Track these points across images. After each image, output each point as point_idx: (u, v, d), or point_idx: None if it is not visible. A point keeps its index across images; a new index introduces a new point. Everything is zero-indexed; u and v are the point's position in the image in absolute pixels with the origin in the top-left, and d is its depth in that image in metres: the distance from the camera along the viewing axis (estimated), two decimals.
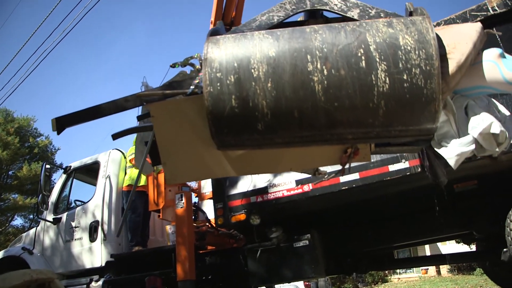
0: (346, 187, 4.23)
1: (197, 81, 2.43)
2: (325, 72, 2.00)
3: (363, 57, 2.00)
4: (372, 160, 4.17)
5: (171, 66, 2.78)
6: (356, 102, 2.01)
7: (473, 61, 2.35)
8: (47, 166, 6.64)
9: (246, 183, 4.73)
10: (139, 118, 2.94)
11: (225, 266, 5.42)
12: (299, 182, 4.41)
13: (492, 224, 4.55)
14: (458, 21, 3.92)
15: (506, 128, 2.53)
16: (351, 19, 2.35)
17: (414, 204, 4.81)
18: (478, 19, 3.77)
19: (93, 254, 5.99)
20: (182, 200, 5.37)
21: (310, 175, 4.19)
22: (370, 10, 2.41)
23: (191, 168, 2.66)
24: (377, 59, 1.99)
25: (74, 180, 6.89)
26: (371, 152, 2.60)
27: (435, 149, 2.56)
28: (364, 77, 1.98)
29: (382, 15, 2.36)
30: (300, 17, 2.79)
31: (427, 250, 16.45)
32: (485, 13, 3.92)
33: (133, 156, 6.29)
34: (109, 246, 5.96)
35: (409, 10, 2.37)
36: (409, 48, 2.00)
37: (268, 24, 2.46)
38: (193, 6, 40.70)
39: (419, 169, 4.07)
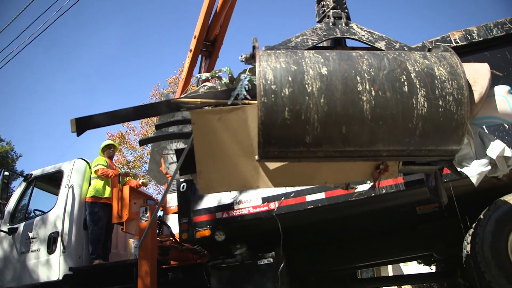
0: (312, 206, 4.26)
1: (236, 92, 2.53)
2: (373, 93, 2.20)
3: (405, 83, 2.24)
4: None
5: (196, 77, 2.81)
6: (398, 122, 2.24)
7: (488, 94, 2.68)
8: (6, 173, 6.40)
9: (212, 199, 4.69)
10: (157, 127, 2.93)
11: (188, 282, 5.33)
12: (265, 200, 4.41)
13: (450, 246, 4.68)
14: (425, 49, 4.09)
15: None
16: (377, 49, 2.58)
17: (378, 225, 4.89)
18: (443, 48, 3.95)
19: (50, 267, 5.73)
20: (146, 213, 5.28)
21: (279, 192, 4.26)
22: (394, 44, 2.66)
23: (226, 179, 2.69)
24: (418, 85, 2.24)
25: (35, 189, 6.65)
26: (398, 169, 2.84)
27: (458, 168, 2.80)
28: (406, 100, 2.22)
29: (405, 49, 2.59)
30: (323, 44, 2.93)
31: (390, 270, 16.66)
32: (448, 44, 4.11)
33: (99, 166, 6.15)
34: (68, 258, 5.73)
35: (427, 47, 2.67)
36: (443, 78, 2.28)
37: (304, 46, 2.60)
38: (169, 11, 40.57)
39: (384, 191, 4.15)
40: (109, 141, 6.79)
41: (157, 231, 5.74)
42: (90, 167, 6.41)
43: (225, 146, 2.59)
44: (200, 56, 7.36)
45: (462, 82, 2.30)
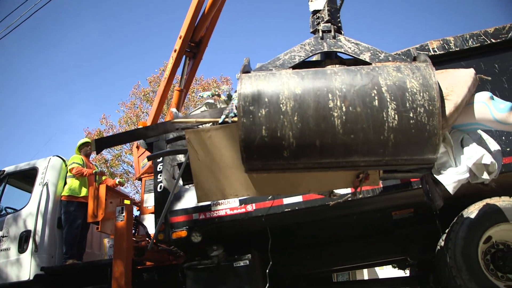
0: (289, 209, 4.28)
1: (227, 111, 2.78)
2: (344, 108, 2.35)
3: (376, 97, 2.36)
4: None
5: (200, 96, 3.24)
6: (369, 135, 2.36)
7: (468, 101, 2.75)
8: None
9: (189, 200, 4.66)
10: (168, 141, 3.34)
11: (163, 283, 5.28)
12: (242, 202, 4.40)
13: (424, 251, 4.76)
14: (403, 56, 4.16)
15: (495, 159, 2.94)
16: (363, 61, 2.72)
17: (354, 229, 4.94)
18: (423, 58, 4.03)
19: (20, 266, 5.58)
20: (122, 213, 5.21)
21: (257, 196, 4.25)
22: (379, 54, 2.75)
23: (219, 189, 2.93)
24: (388, 99, 2.35)
25: (7, 186, 6.47)
26: (379, 177, 2.98)
27: (435, 176, 2.89)
28: (376, 114, 2.35)
29: (390, 59, 2.71)
30: (315, 57, 3.09)
31: (365, 274, 16.86)
32: (426, 52, 4.19)
33: (74, 165, 6.04)
34: (40, 258, 5.59)
35: (413, 55, 2.79)
36: (415, 90, 2.37)
37: (290, 63, 2.76)
38: (152, 9, 40.11)
39: (360, 196, 4.19)
40: (86, 139, 6.68)
41: (133, 231, 5.67)
42: (66, 165, 6.29)
43: (216, 160, 2.83)
44: (184, 56, 7.32)
45: (434, 93, 2.37)
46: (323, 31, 2.93)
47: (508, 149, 4.06)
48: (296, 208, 4.27)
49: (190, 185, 3.50)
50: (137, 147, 7.10)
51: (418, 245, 4.81)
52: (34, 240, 5.62)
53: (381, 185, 4.15)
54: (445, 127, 2.61)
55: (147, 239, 5.53)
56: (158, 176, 4.89)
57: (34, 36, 38.30)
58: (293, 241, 5.14)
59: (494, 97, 2.83)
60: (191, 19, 6.92)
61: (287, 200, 4.29)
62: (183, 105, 8.57)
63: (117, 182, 6.49)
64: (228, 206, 4.46)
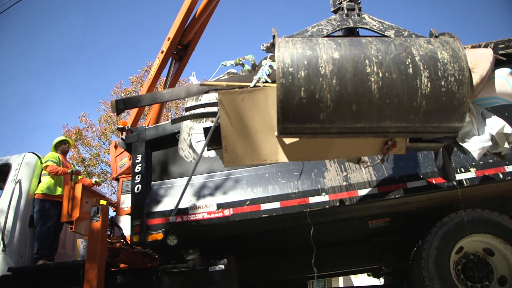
0: (267, 215, 4.27)
1: (258, 77, 2.84)
2: (380, 74, 2.50)
3: (410, 65, 2.53)
4: (294, 191, 4.28)
5: (222, 64, 3.25)
6: (403, 101, 2.52)
7: (489, 76, 2.95)
8: None
9: (167, 203, 4.60)
10: (187, 109, 3.40)
11: (137, 286, 5.19)
12: (220, 206, 4.37)
13: (399, 260, 4.82)
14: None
15: None
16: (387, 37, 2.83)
17: (331, 236, 4.97)
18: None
19: None
20: (98, 213, 5.11)
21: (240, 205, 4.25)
22: (403, 32, 2.89)
23: (248, 153, 2.93)
24: (421, 68, 2.53)
25: None
26: (406, 146, 3.05)
27: (460, 143, 3.02)
28: (411, 81, 2.51)
29: (413, 36, 2.82)
30: (338, 33, 3.25)
31: (341, 281, 16.98)
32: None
33: (48, 163, 5.91)
34: (8, 258, 5.41)
35: (434, 34, 2.91)
36: (445, 61, 2.56)
37: (318, 35, 2.85)
38: (136, 8, 39.75)
39: (338, 203, 4.22)
40: (63, 137, 6.56)
41: (108, 232, 5.57)
42: (41, 162, 6.14)
43: (247, 123, 2.87)
44: (170, 58, 7.27)
45: (463, 64, 2.57)
46: (348, 9, 3.06)
47: (481, 163, 4.15)
48: (274, 214, 4.27)
49: (215, 149, 3.41)
50: (115, 147, 6.99)
51: (393, 254, 4.86)
52: (2, 239, 5.45)
53: (359, 194, 4.19)
54: (471, 97, 2.78)
55: (122, 240, 5.44)
56: (136, 177, 4.82)
57: (14, 25, 37.32)
58: (270, 246, 5.13)
59: None
60: (181, 21, 6.89)
61: (264, 206, 4.28)
62: (165, 108, 8.49)
63: (93, 182, 6.38)
64: (206, 210, 4.42)
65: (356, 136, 2.77)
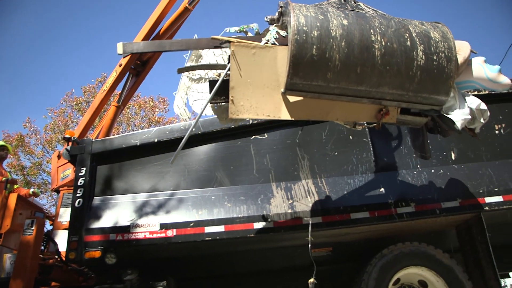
0: (210, 238, 4.20)
1: (267, 38, 3.07)
2: (383, 43, 2.83)
3: (408, 39, 2.90)
4: (239, 215, 4.25)
5: (226, 30, 3.41)
6: (401, 69, 2.86)
7: (468, 62, 3.43)
8: None
9: (108, 219, 4.42)
10: (180, 70, 3.56)
11: None
12: (163, 226, 4.25)
13: None
14: None
15: None
16: None
17: (274, 263, 4.95)
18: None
19: None
20: (32, 226, 4.81)
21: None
22: (395, 19, 3.13)
23: (253, 106, 3.02)
24: (418, 42, 2.91)
25: None
26: (396, 116, 3.32)
27: (445, 115, 3.35)
28: (409, 52, 2.87)
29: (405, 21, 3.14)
30: None
31: None
32: None
33: None
34: None
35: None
36: (437, 39, 2.97)
37: None
38: (96, 13, 38.68)
39: (282, 230, 4.24)
40: (1, 142, 6.20)
41: (42, 247, 5.25)
42: None
43: (256, 78, 3.01)
44: (127, 73, 7.12)
45: (452, 44, 3.00)
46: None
47: (420, 198, 4.34)
48: (218, 237, 4.20)
49: (217, 103, 3.48)
50: (58, 156, 6.69)
51: (334, 284, 4.91)
52: None
53: (303, 222, 4.23)
54: (456, 74, 3.18)
55: (56, 257, 5.13)
56: (78, 191, 4.61)
57: None
58: (212, 270, 5.04)
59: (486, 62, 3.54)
60: (144, 38, 6.80)
61: (209, 229, 4.21)
62: (116, 121, 8.26)
63: (31, 192, 6.03)
64: (148, 230, 4.28)
65: (356, 99, 3.03)
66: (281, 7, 3.08)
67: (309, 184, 4.46)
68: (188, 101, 3.88)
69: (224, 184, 4.53)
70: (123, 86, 7.26)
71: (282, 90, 2.93)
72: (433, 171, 4.59)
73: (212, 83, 3.30)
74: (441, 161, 4.67)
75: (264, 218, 4.25)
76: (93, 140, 4.95)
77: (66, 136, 5.11)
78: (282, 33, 3.11)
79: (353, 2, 3.31)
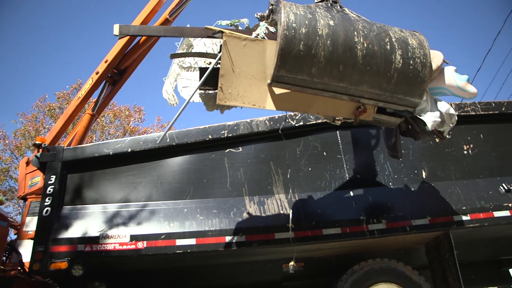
0: (181, 251, 4.14)
1: (257, 33, 3.29)
2: (365, 45, 3.05)
3: (388, 43, 3.13)
4: (211, 229, 4.22)
5: (217, 23, 3.56)
6: (380, 70, 3.09)
7: (440, 70, 3.69)
8: None
9: (77, 229, 4.30)
10: (172, 56, 3.76)
11: None
12: (134, 238, 4.16)
13: None
14: None
15: None
16: None
17: (245, 277, 4.92)
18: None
19: None
20: None
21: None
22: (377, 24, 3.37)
23: (240, 95, 3.18)
24: (396, 47, 3.15)
25: None
26: (373, 115, 3.51)
27: (418, 116, 3.59)
28: (388, 55, 3.10)
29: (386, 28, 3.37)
30: None
31: None
32: None
33: None
34: None
35: None
36: (414, 46, 3.22)
37: None
38: (74, 19, 37.93)
39: (254, 245, 4.21)
40: None
41: (4, 257, 5.05)
42: None
43: (244, 68, 3.18)
44: (104, 81, 7.01)
45: (427, 51, 3.25)
46: (332, 1, 3.53)
47: (391, 215, 4.41)
48: (188, 250, 4.15)
49: (206, 90, 3.75)
50: (27, 163, 6.49)
51: None
52: None
53: (275, 237, 4.23)
54: (429, 79, 3.44)
55: (19, 268, 4.95)
56: (47, 199, 4.48)
57: None
58: (182, 284, 4.95)
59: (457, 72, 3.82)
60: (123, 46, 6.72)
61: (180, 242, 4.15)
62: (90, 130, 8.09)
63: None
64: (118, 241, 4.19)
65: (336, 96, 3.22)
66: (271, 4, 3.28)
67: (282, 198, 4.47)
68: (177, 87, 4.06)
69: (197, 197, 4.49)
70: (98, 94, 7.14)
71: (269, 81, 3.10)
72: (404, 188, 4.68)
73: (202, 70, 3.50)
74: (412, 179, 4.77)
75: (236, 232, 4.22)
76: (65, 147, 4.84)
77: (37, 142, 4.99)
78: (271, 29, 3.33)
79: (339, 7, 3.47)
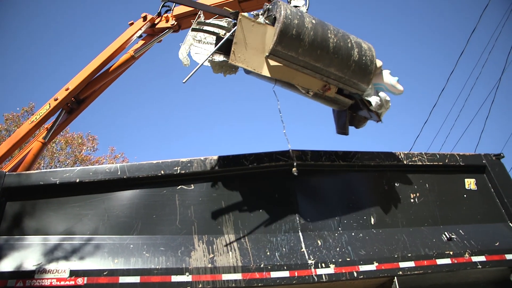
0: None
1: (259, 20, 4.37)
2: (335, 40, 4.37)
3: (349, 42, 4.49)
4: (157, 267, 4.07)
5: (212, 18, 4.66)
6: (344, 59, 4.42)
7: (380, 71, 4.96)
8: None
9: (11, 262, 4.00)
10: (193, 30, 4.61)
11: None
12: (73, 273, 3.92)
13: None
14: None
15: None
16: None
17: None
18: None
19: None
20: None
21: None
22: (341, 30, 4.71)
23: (247, 60, 4.17)
24: (355, 46, 4.51)
25: None
26: (335, 92, 4.73)
27: (365, 98, 4.81)
28: (349, 50, 4.45)
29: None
30: None
31: None
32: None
33: None
34: None
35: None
36: (366, 48, 4.60)
37: None
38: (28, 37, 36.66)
39: (200, 286, 4.09)
40: None
41: None
42: None
43: (251, 41, 4.19)
44: (61, 108, 6.80)
45: (374, 54, 4.63)
46: (295, 6, 4.66)
47: (340, 260, 4.45)
48: None
49: (219, 54, 4.53)
50: None
51: None
52: None
53: (223, 278, 4.12)
54: (374, 73, 4.68)
55: None
56: None
57: None
58: None
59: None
60: (87, 76, 6.61)
61: (123, 279, 3.95)
62: (38, 158, 7.73)
63: None
64: (56, 276, 3.93)
65: (312, 73, 4.44)
66: (267, 5, 4.42)
67: (232, 239, 4.42)
68: (190, 53, 4.74)
69: (144, 233, 4.35)
70: (53, 121, 6.91)
71: (267, 53, 4.20)
72: (353, 234, 4.77)
73: (218, 38, 4.31)
74: (361, 225, 4.87)
75: (182, 271, 4.10)
76: (7, 173, 4.59)
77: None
78: (267, 22, 4.34)
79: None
